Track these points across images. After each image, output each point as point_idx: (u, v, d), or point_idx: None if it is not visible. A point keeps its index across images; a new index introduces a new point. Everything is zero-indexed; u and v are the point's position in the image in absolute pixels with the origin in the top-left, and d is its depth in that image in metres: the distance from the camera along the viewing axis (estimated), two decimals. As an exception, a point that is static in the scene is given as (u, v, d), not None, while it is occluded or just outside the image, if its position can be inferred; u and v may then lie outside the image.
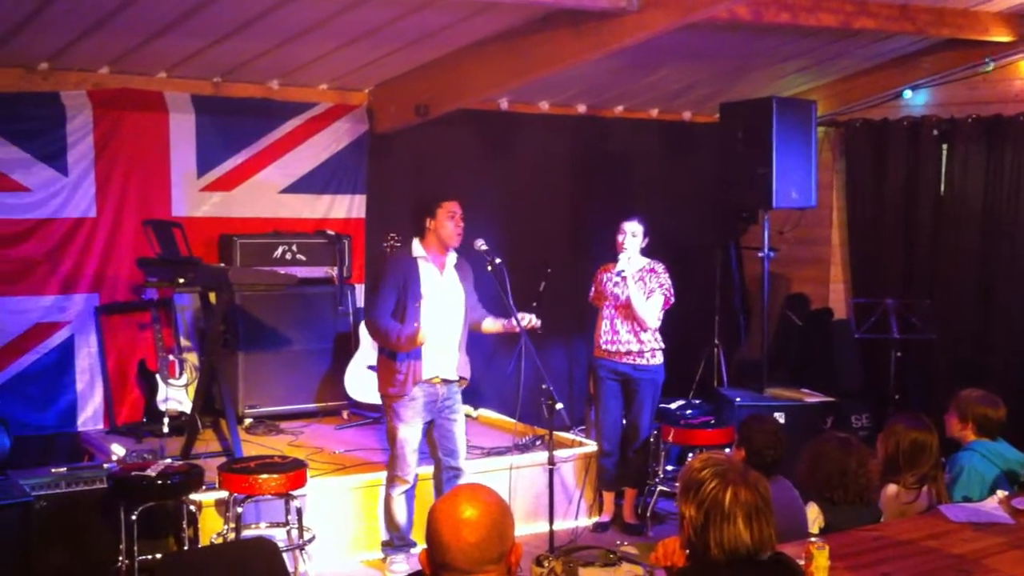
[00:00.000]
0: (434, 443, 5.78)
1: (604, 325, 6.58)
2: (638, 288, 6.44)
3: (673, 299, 6.54)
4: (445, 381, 5.68)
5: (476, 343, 6.03)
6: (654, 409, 6.72)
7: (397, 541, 5.79)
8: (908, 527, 4.24)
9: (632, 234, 6.50)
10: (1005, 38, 7.24)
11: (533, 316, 5.73)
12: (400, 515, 5.73)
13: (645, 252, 6.60)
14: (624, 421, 6.69)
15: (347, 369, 7.35)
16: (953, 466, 4.88)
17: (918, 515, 4.50)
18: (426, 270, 5.60)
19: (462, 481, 5.66)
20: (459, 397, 5.81)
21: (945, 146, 8.14)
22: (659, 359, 6.59)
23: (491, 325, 5.82)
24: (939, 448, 4.71)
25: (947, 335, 7.85)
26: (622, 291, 6.49)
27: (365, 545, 6.08)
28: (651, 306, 6.46)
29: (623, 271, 6.46)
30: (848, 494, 4.35)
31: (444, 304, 5.63)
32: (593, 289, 6.77)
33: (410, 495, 5.76)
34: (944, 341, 7.84)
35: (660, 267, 6.56)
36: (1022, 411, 6.12)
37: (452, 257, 5.70)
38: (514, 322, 5.63)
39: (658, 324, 6.53)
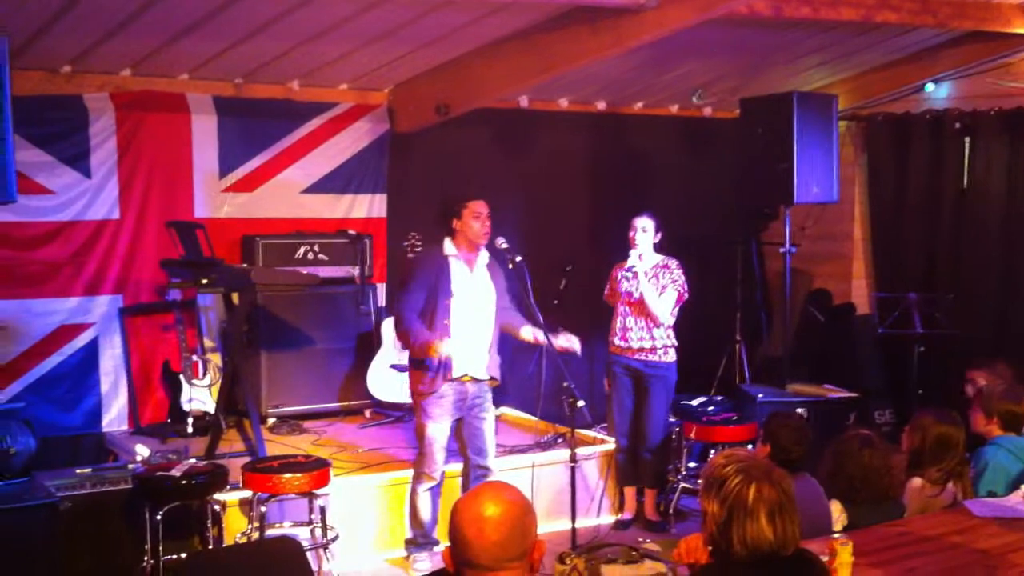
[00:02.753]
0: (463, 441, 5.80)
1: (617, 322, 6.59)
2: (650, 284, 6.43)
3: (687, 295, 6.52)
4: (475, 380, 5.69)
5: (498, 341, 6.04)
6: (668, 407, 6.70)
7: (420, 539, 5.81)
8: (932, 523, 4.22)
9: (642, 229, 6.49)
10: (1027, 30, 7.20)
11: (574, 339, 5.73)
12: (425, 512, 5.75)
13: (660, 247, 6.58)
14: (637, 420, 6.68)
15: (369, 368, 7.36)
16: (978, 461, 4.85)
17: (942, 511, 4.48)
18: (457, 268, 5.63)
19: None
20: (489, 397, 5.82)
21: (968, 139, 8.09)
22: (671, 356, 6.57)
23: (528, 334, 5.81)
24: (965, 443, 4.69)
25: (970, 330, 7.79)
26: (635, 288, 6.47)
27: (388, 544, 6.10)
28: (664, 302, 6.45)
29: (634, 267, 6.45)
30: (872, 493, 4.34)
31: (474, 303, 5.65)
32: (608, 287, 6.76)
33: (436, 492, 5.78)
34: (967, 336, 7.78)
35: (673, 263, 6.55)
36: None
37: (483, 256, 5.72)
38: (550, 340, 5.65)
39: (672, 320, 6.52)
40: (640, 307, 6.49)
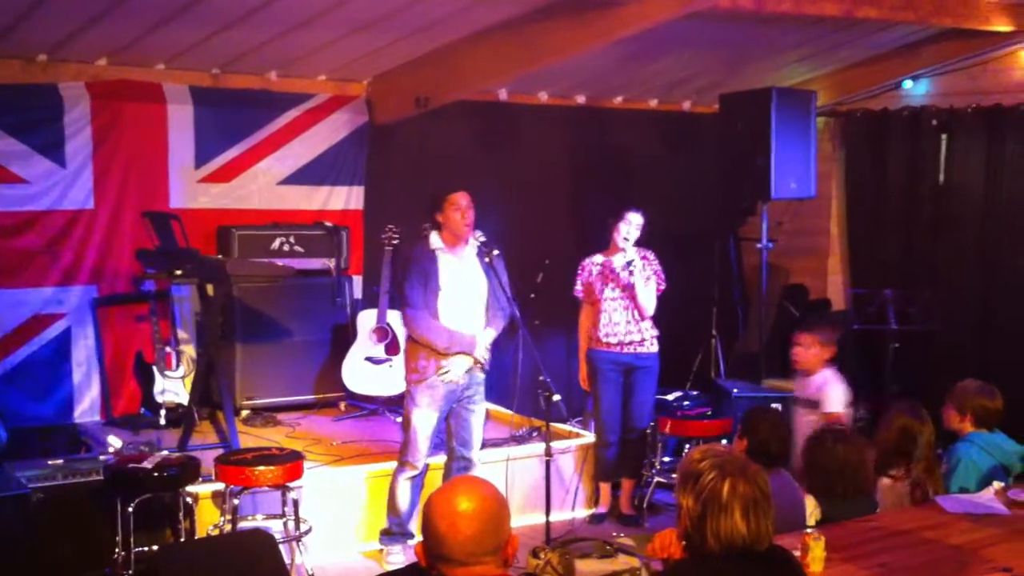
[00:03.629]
0: (450, 431, 5.79)
1: (603, 318, 6.55)
2: (642, 277, 6.44)
3: (664, 285, 6.55)
4: (467, 371, 5.68)
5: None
6: (654, 396, 6.73)
7: (396, 528, 5.79)
8: (905, 518, 4.24)
9: (637, 226, 6.49)
10: (1005, 27, 7.22)
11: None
12: (403, 501, 5.73)
13: (647, 240, 6.59)
14: (624, 411, 6.67)
15: (345, 361, 7.33)
16: (950, 457, 4.88)
17: (914, 506, 4.51)
18: (444, 261, 5.63)
19: (472, 474, 5.65)
20: (482, 390, 5.81)
21: (945, 136, 8.12)
22: (656, 347, 6.60)
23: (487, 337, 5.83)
24: (933, 440, 4.72)
25: (946, 326, 7.82)
26: (636, 280, 6.44)
27: (362, 537, 6.08)
28: (651, 293, 6.47)
29: (632, 261, 6.43)
30: (845, 487, 4.35)
31: (465, 293, 5.65)
32: (580, 284, 6.72)
33: (417, 483, 5.76)
34: (943, 332, 7.82)
35: (651, 254, 6.58)
36: (1021, 403, 6.10)
37: (472, 247, 5.71)
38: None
39: (653, 311, 6.54)
40: (624, 300, 6.48)
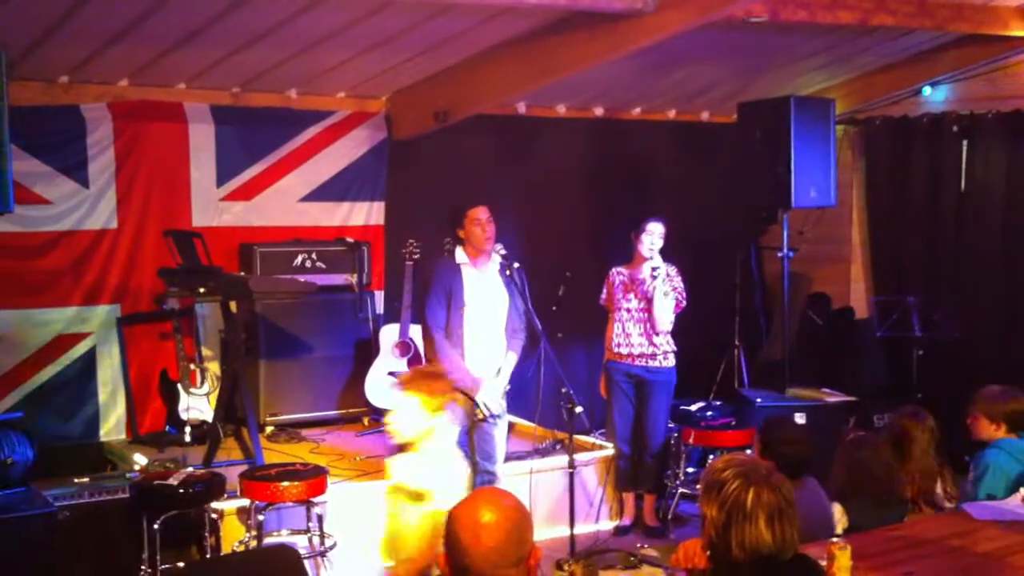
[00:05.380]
0: (473, 446, 5.79)
1: (616, 328, 6.58)
2: (662, 289, 6.44)
3: (684, 303, 6.54)
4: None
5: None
6: (668, 411, 6.71)
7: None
8: (932, 526, 4.23)
9: (660, 235, 6.50)
10: (1024, 32, 7.20)
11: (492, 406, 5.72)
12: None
13: (667, 251, 6.59)
14: (636, 423, 6.67)
15: (368, 375, 7.35)
16: (978, 464, 4.84)
17: (942, 514, 4.48)
18: (468, 276, 5.67)
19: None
20: (504, 403, 5.81)
21: (965, 142, 8.08)
22: (671, 361, 6.59)
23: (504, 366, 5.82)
24: (929, 440, 4.75)
25: (970, 332, 7.77)
26: (652, 290, 6.44)
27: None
28: (667, 307, 6.47)
29: (657, 268, 6.43)
30: (876, 495, 4.35)
31: (489, 308, 5.68)
32: (605, 291, 6.75)
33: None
34: (967, 338, 7.76)
35: (673, 270, 6.57)
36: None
37: (495, 261, 5.73)
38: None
39: (670, 327, 6.53)
40: (640, 313, 6.48)
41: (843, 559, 3.47)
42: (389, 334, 7.37)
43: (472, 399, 5.53)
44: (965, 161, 8.09)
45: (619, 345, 6.55)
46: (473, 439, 5.76)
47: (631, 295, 6.57)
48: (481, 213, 5.65)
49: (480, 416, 5.57)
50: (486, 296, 5.67)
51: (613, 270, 6.73)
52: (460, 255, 5.71)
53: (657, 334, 6.50)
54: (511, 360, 5.77)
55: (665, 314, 6.46)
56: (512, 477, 6.29)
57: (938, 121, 8.20)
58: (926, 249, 8.37)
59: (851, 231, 8.86)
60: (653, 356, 6.52)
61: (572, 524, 5.65)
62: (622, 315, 6.56)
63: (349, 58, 6.83)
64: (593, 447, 6.99)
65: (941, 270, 8.27)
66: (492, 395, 5.63)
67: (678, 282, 6.54)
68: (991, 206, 7.94)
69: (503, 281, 5.74)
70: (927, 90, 8.28)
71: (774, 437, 4.59)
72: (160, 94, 7.13)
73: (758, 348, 8.84)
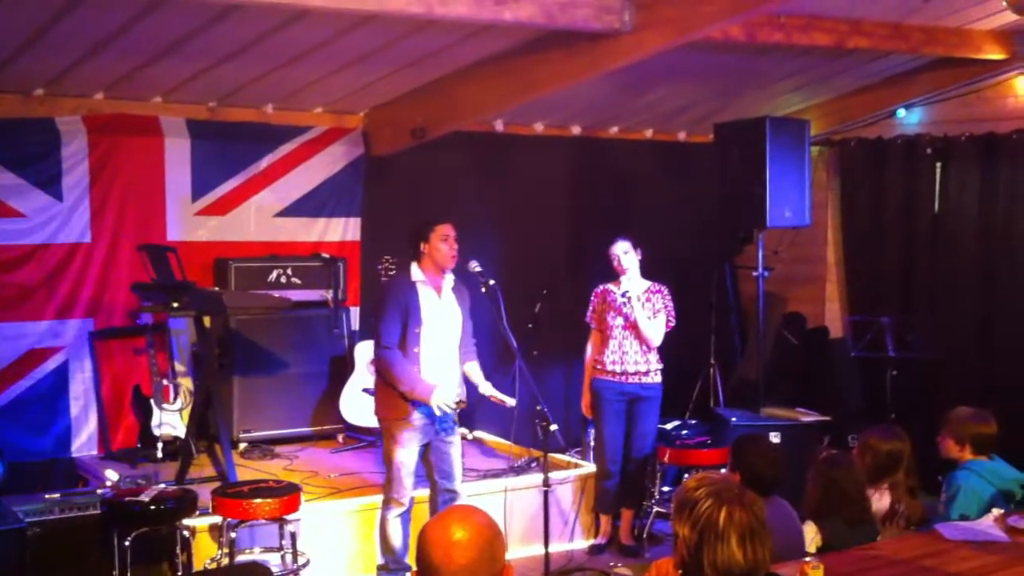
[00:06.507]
0: (430, 465, 5.75)
1: (612, 345, 6.55)
2: (644, 309, 6.46)
3: (674, 323, 6.56)
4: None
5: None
6: (657, 428, 6.73)
7: (392, 565, 5.76)
8: (905, 546, 4.24)
9: (624, 253, 6.49)
10: (998, 56, 7.27)
11: (509, 399, 5.72)
12: (396, 538, 5.70)
13: (644, 270, 6.59)
14: (626, 440, 6.66)
15: (342, 392, 7.33)
16: (950, 485, 4.86)
17: (915, 534, 4.50)
18: (425, 294, 5.60)
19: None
20: (456, 420, 5.79)
21: (939, 164, 8.15)
22: (659, 379, 6.62)
23: (475, 375, 5.78)
24: (911, 454, 4.81)
25: (943, 353, 7.82)
26: (631, 312, 6.47)
27: (360, 569, 6.05)
28: (657, 326, 6.49)
29: (627, 292, 6.45)
30: (850, 513, 4.37)
31: (444, 328, 5.63)
32: (591, 308, 6.75)
33: (406, 518, 5.73)
34: (941, 359, 7.82)
35: (664, 289, 6.60)
36: (1021, 429, 6.09)
37: (449, 279, 5.70)
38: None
39: (659, 343, 6.56)
40: (636, 331, 6.49)
41: (815, 578, 3.47)
42: (364, 351, 7.34)
43: (432, 404, 5.44)
44: (939, 183, 8.16)
45: (613, 363, 6.53)
46: (430, 460, 5.74)
47: (613, 313, 6.57)
48: (449, 230, 5.59)
49: (438, 413, 5.48)
50: (442, 316, 5.62)
51: (599, 287, 6.73)
52: (416, 272, 5.61)
53: (650, 350, 6.52)
54: (477, 367, 5.75)
55: (653, 332, 6.47)
56: (487, 495, 6.28)
57: (912, 143, 8.27)
58: (900, 270, 8.43)
59: (826, 251, 8.91)
60: (646, 373, 6.54)
61: (547, 543, 5.64)
62: (616, 332, 6.55)
63: (326, 74, 6.83)
64: (568, 465, 6.98)
65: (915, 291, 8.33)
66: (446, 398, 5.50)
67: (669, 302, 6.58)
68: (965, 227, 8.01)
69: (456, 299, 5.71)
70: (901, 112, 8.35)
71: (745, 450, 4.61)
72: (136, 107, 7.10)
73: (733, 367, 8.86)
